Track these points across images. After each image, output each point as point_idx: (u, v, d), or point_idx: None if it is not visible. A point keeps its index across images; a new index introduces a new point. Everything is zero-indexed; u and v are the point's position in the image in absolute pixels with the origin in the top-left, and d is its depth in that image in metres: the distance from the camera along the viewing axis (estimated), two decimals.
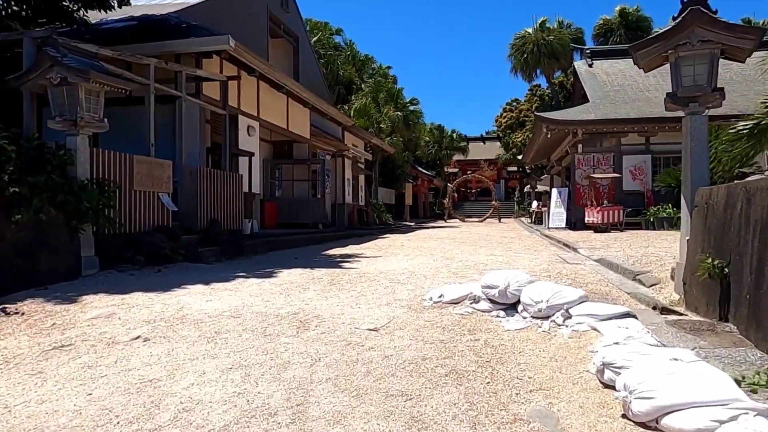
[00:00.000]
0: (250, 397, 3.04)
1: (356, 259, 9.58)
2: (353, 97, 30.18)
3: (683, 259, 5.27)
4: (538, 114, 21.65)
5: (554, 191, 21.54)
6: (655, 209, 18.24)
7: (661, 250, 9.55)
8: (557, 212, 20.91)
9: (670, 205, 18.00)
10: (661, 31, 5.27)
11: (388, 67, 35.76)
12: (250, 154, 13.12)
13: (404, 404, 2.92)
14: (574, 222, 20.54)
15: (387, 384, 3.17)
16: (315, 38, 30.48)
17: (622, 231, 17.65)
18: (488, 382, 3.18)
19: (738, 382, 2.74)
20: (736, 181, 4.70)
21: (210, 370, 3.44)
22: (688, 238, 5.20)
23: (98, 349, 3.89)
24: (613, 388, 2.94)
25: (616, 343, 3.35)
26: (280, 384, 3.20)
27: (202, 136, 11.55)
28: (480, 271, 7.51)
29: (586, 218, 18.34)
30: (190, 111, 11.47)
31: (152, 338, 4.08)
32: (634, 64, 5.85)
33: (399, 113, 28.80)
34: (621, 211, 18.27)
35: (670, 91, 5.41)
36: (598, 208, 17.82)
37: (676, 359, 2.87)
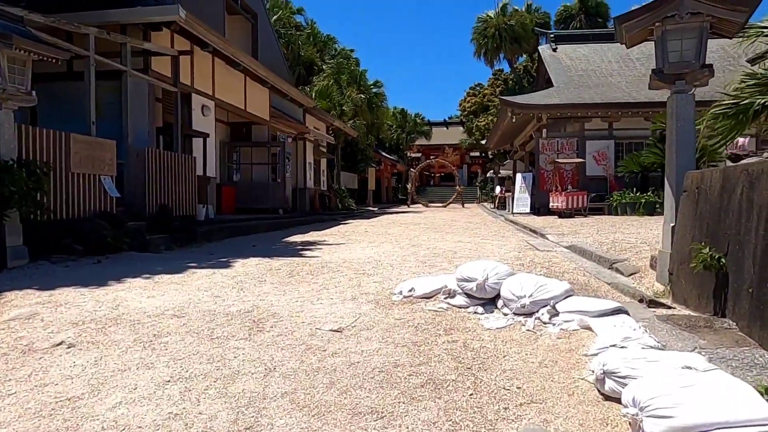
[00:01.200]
0: (189, 419, 2.52)
1: (318, 246, 9.06)
2: (315, 79, 29.35)
3: (667, 247, 4.96)
4: (502, 98, 21.39)
5: (518, 176, 21.39)
6: (619, 195, 18.25)
7: (631, 236, 9.35)
8: (521, 197, 20.78)
9: (633, 190, 18.06)
10: (648, 2, 4.89)
11: (351, 50, 34.97)
12: (205, 136, 12.36)
13: (374, 424, 2.45)
14: (538, 207, 20.46)
15: (353, 398, 2.70)
16: (275, 17, 29.44)
17: (586, 216, 17.61)
18: (471, 394, 2.74)
19: (761, 393, 2.37)
20: (731, 164, 4.38)
21: (143, 384, 2.89)
22: (673, 224, 4.88)
23: (11, 359, 3.29)
24: (617, 401, 2.54)
25: (614, 346, 2.96)
26: (227, 401, 2.69)
27: (151, 115, 10.75)
28: (449, 260, 7.10)
29: (551, 203, 18.25)
30: (137, 87, 10.64)
31: (78, 344, 3.49)
32: (616, 39, 5.48)
33: (362, 96, 28.16)
34: (585, 197, 18.22)
35: (655, 68, 5.05)
36: (563, 194, 17.72)
37: (688, 367, 2.49)
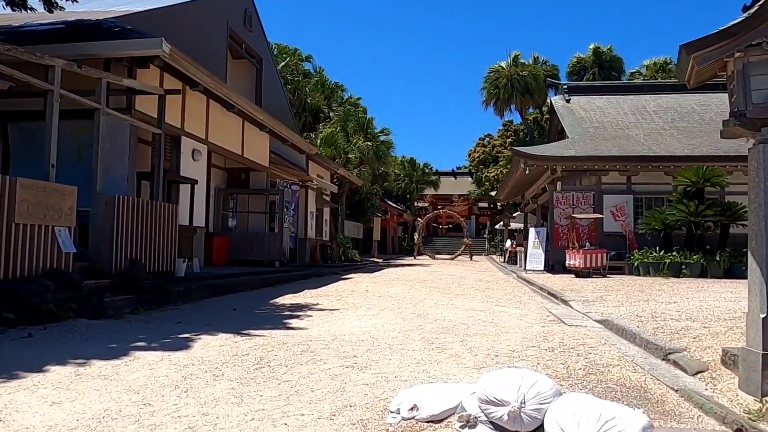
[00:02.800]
0: None
1: (307, 312, 7.81)
2: (321, 126, 28.70)
3: (757, 345, 3.70)
4: (515, 149, 20.45)
5: (532, 231, 20.17)
6: (641, 254, 16.98)
7: (670, 308, 8.07)
8: (535, 253, 19.49)
9: (657, 248, 16.78)
10: (724, 27, 3.81)
11: (359, 98, 34.59)
12: (193, 182, 11.32)
13: None
14: (552, 264, 19.17)
15: None
16: (283, 63, 29.14)
17: (605, 277, 16.28)
18: None
19: None
20: None
21: None
22: (765, 316, 3.64)
23: None
24: None
25: None
26: None
27: (132, 159, 9.74)
28: (461, 339, 5.84)
29: (567, 261, 16.95)
30: (117, 128, 9.69)
31: None
32: (677, 75, 4.38)
33: (369, 143, 27.38)
34: (604, 255, 16.94)
35: (733, 111, 3.92)
36: (581, 251, 16.44)
37: None
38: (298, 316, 7.42)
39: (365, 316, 7.42)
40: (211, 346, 4.94)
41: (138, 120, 9.66)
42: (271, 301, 9.25)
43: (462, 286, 13.70)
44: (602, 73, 37.65)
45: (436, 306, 8.77)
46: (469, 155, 47.43)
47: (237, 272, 12.05)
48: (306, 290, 11.35)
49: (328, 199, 24.41)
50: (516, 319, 7.57)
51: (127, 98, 9.79)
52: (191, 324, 6.44)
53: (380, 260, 31.07)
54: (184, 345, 4.96)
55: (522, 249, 23.89)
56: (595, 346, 5.70)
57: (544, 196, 23.67)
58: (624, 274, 17.36)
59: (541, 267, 18.88)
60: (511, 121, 43.25)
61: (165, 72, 10.52)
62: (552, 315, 8.23)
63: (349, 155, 26.37)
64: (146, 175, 10.64)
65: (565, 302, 9.80)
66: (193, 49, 11.98)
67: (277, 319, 7.10)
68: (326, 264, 21.29)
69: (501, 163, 39.56)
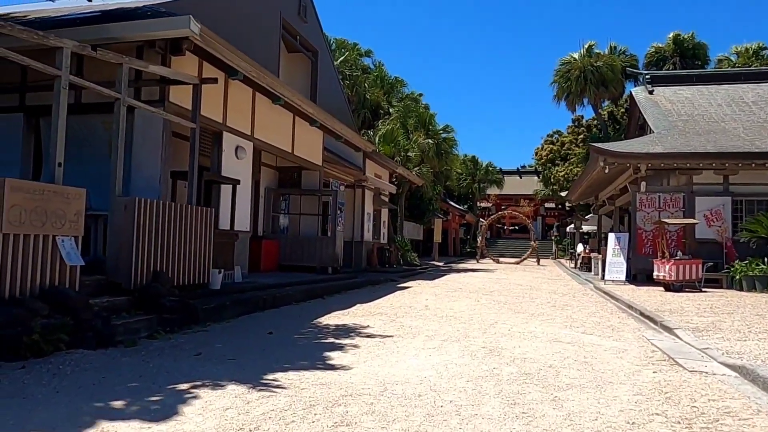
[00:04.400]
0: None
1: (354, 340, 6.47)
2: (380, 123, 27.43)
3: None
4: (594, 145, 18.42)
5: (611, 236, 18.09)
6: (744, 265, 14.68)
7: None
8: (615, 262, 17.41)
9: (765, 260, 14.45)
10: None
11: (420, 94, 33.08)
12: (235, 182, 10.25)
13: None
14: (635, 274, 17.06)
15: None
16: (342, 58, 28.06)
17: (701, 291, 14.14)
18: None
19: None
20: None
21: None
22: None
23: None
24: None
25: None
26: None
27: (165, 157, 8.73)
28: (552, 395, 4.32)
29: (656, 272, 14.88)
30: (149, 122, 8.72)
31: None
32: None
33: (430, 141, 25.85)
34: (700, 266, 14.76)
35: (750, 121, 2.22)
36: (672, 261, 14.35)
37: None
38: (341, 347, 6.09)
39: (424, 350, 5.99)
40: (211, 411, 3.64)
41: (172, 113, 8.63)
42: (315, 321, 7.98)
43: (535, 300, 12.03)
44: (684, 63, 34.49)
45: (510, 334, 7.22)
46: (536, 153, 44.98)
47: (282, 282, 10.90)
48: (357, 304, 10.04)
49: (386, 199, 23.12)
50: (615, 358, 5.94)
51: (161, 89, 8.80)
52: (209, 360, 5.22)
53: (441, 264, 29.54)
54: (174, 409, 3.67)
55: (597, 255, 21.76)
56: (748, 417, 4.04)
57: (623, 198, 21.44)
58: (721, 287, 15.10)
59: (622, 277, 16.82)
60: (582, 117, 40.58)
61: (204, 61, 9.48)
62: (658, 350, 6.53)
63: (409, 153, 24.96)
64: (185, 174, 9.62)
65: (667, 329, 8.01)
66: (244, 40, 10.94)
67: (316, 351, 5.79)
68: (383, 269, 20.00)
69: (572, 160, 37.06)
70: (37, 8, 11.78)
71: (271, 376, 4.67)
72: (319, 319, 8.13)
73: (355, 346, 6.17)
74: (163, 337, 6.34)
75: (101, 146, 9.57)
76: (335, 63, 23.22)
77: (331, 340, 6.54)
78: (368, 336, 6.82)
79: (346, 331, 7.18)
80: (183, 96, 8.93)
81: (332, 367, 5.13)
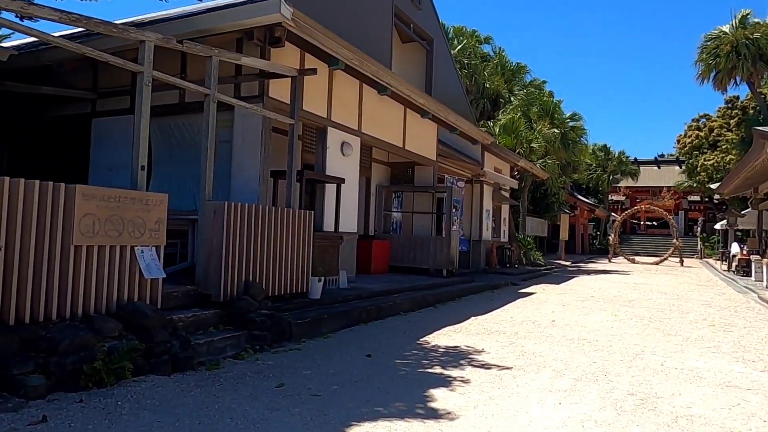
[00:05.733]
0: None
1: (464, 372, 5.39)
2: (500, 113, 25.77)
3: None
4: (759, 129, 15.55)
5: None
6: None
7: None
8: None
9: None
10: None
11: (543, 81, 30.79)
12: (339, 181, 9.54)
13: None
14: None
15: None
16: (459, 46, 26.76)
17: None
18: None
19: None
20: None
21: None
22: None
23: None
24: None
25: None
26: None
27: (264, 156, 8.20)
28: None
29: None
30: (248, 120, 8.23)
31: None
32: None
33: (556, 130, 23.75)
34: None
35: None
36: None
37: None
38: (448, 381, 5.04)
39: (552, 393, 4.76)
40: None
41: (273, 109, 8.07)
42: (423, 339, 6.99)
43: (686, 315, 10.10)
44: None
45: (664, 371, 5.72)
46: (678, 141, 40.43)
47: (390, 288, 10.04)
48: (472, 317, 8.91)
49: (506, 194, 21.56)
50: None
51: (259, 84, 8.27)
52: (290, 396, 4.43)
53: (568, 263, 27.26)
54: None
55: (759, 258, 18.57)
56: None
57: None
58: None
59: None
60: (738, 97, 35.62)
61: (306, 52, 8.84)
62: None
63: (533, 144, 23.09)
64: (275, 174, 9.03)
65: None
66: (354, 31, 10.22)
67: (418, 388, 4.80)
68: (504, 270, 18.56)
69: (723, 147, 32.66)
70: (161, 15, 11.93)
71: (356, 425, 3.76)
72: (427, 337, 7.13)
73: (466, 381, 5.09)
74: (251, 356, 5.70)
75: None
76: (452, 52, 22.06)
77: (438, 369, 5.51)
78: (482, 366, 5.70)
79: (456, 356, 6.11)
80: (284, 90, 8.33)
81: (434, 414, 4.11)
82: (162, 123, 9.56)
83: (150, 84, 5.63)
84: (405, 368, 5.54)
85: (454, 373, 5.37)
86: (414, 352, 6.30)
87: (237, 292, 6.42)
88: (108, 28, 5.28)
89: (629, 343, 7.14)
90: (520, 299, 11.92)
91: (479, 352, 6.36)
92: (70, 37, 7.03)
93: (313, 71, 8.02)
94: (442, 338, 7.12)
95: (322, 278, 8.00)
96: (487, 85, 26.96)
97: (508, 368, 5.60)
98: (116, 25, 5.30)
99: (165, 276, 5.44)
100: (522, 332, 7.74)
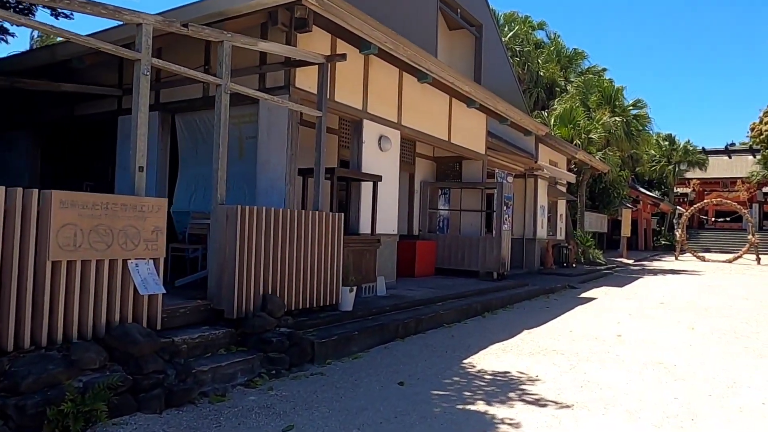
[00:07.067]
0: None
1: (514, 409, 4.45)
2: (555, 102, 24.28)
3: None
4: None
5: None
6: None
7: None
8: None
9: None
10: None
11: (603, 69, 28.95)
12: (376, 179, 8.70)
13: None
14: None
15: None
16: (511, 33, 25.45)
17: None
18: None
19: None
20: None
21: None
22: None
23: None
24: None
25: None
26: None
27: (291, 152, 7.45)
28: None
29: None
30: (274, 114, 7.50)
31: None
32: None
33: (617, 119, 22.09)
34: None
35: None
36: None
37: None
38: (494, 426, 4.12)
39: None
40: None
41: (300, 101, 7.31)
42: (466, 361, 6.07)
43: None
44: None
45: None
46: (752, 128, 37.52)
47: (433, 296, 9.13)
48: (524, 331, 7.89)
49: (563, 189, 20.18)
50: None
51: (285, 73, 7.52)
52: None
53: (630, 261, 25.50)
54: None
55: None
56: None
57: None
58: None
59: None
60: None
61: (337, 37, 8.03)
62: None
63: (591, 135, 21.55)
64: (303, 172, 8.25)
65: None
66: (397, 18, 9.37)
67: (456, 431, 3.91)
68: (560, 270, 17.27)
69: None
70: None
71: None
72: (472, 358, 6.19)
73: (516, 425, 4.15)
74: (264, 384, 4.94)
75: (231, 144, 8.68)
76: (503, 39, 20.81)
77: (482, 406, 4.59)
78: (536, 401, 4.73)
79: (505, 385, 5.16)
80: (312, 80, 7.54)
81: None
82: (187, 119, 9.01)
83: (148, 73, 4.94)
84: (443, 403, 4.65)
85: (501, 412, 4.44)
86: (455, 378, 5.39)
87: (253, 307, 5.68)
88: (96, 9, 4.61)
89: (716, 369, 5.98)
90: (580, 306, 10.76)
91: (533, 380, 5.38)
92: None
93: (343, 57, 7.19)
94: (489, 359, 6.17)
95: (354, 288, 7.18)
96: (541, 73, 25.50)
97: (568, 406, 4.61)
98: (105, 5, 4.62)
99: (165, 292, 4.74)
100: (584, 351, 6.68)
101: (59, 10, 11.28)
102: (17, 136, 11.10)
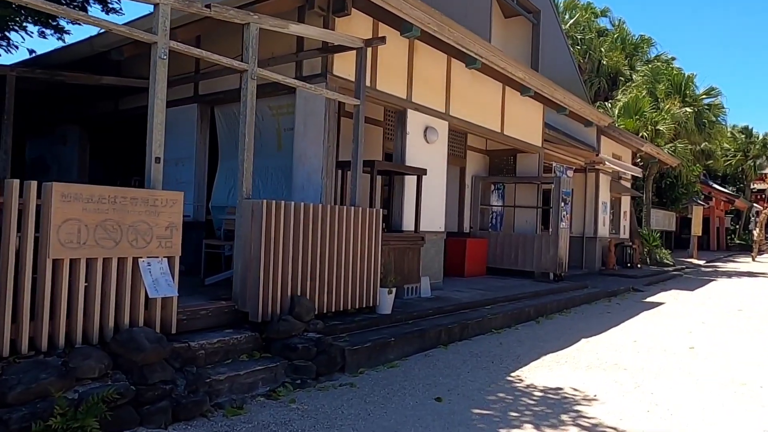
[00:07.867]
0: None
1: None
2: (619, 92, 22.90)
3: None
4: None
5: None
6: None
7: None
8: None
9: None
10: None
11: (672, 58, 27.09)
12: (420, 173, 8.14)
13: None
14: None
15: None
16: (572, 20, 24.22)
17: None
18: None
19: None
20: None
21: None
22: None
23: None
24: None
25: None
26: None
27: (329, 144, 7.01)
28: None
29: None
30: (311, 103, 7.09)
31: None
32: None
33: (688, 109, 20.55)
34: None
35: None
36: None
37: None
38: None
39: None
40: None
41: (337, 89, 6.86)
42: (514, 374, 5.45)
43: None
44: None
45: None
46: None
47: (481, 298, 8.50)
48: (582, 340, 7.16)
49: (627, 184, 18.95)
50: None
51: (323, 60, 7.08)
52: None
53: (701, 262, 23.78)
54: None
55: None
56: None
57: None
58: None
59: None
60: None
61: (378, 21, 7.52)
62: None
63: (659, 127, 20.12)
64: (340, 164, 7.76)
65: None
66: (442, 3, 8.79)
67: None
68: (624, 271, 16.15)
69: None
70: None
71: None
72: (521, 371, 5.56)
73: None
74: (287, 395, 4.51)
75: (269, 136, 8.35)
76: (563, 27, 19.70)
77: (529, 431, 3.98)
78: (592, 428, 4.08)
79: (557, 406, 4.52)
80: (351, 67, 7.07)
81: None
82: (225, 110, 8.74)
83: (166, 57, 4.59)
84: (482, 424, 4.08)
85: None
86: (500, 395, 4.80)
87: (281, 309, 5.27)
88: None
89: None
90: (645, 312, 9.84)
91: (590, 400, 4.71)
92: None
93: (382, 40, 6.67)
94: (540, 373, 5.53)
95: (394, 289, 6.67)
96: (604, 62, 24.11)
97: None
98: None
99: (177, 294, 4.37)
100: (651, 366, 5.91)
101: (110, 5, 11.36)
102: (69, 130, 11.23)
